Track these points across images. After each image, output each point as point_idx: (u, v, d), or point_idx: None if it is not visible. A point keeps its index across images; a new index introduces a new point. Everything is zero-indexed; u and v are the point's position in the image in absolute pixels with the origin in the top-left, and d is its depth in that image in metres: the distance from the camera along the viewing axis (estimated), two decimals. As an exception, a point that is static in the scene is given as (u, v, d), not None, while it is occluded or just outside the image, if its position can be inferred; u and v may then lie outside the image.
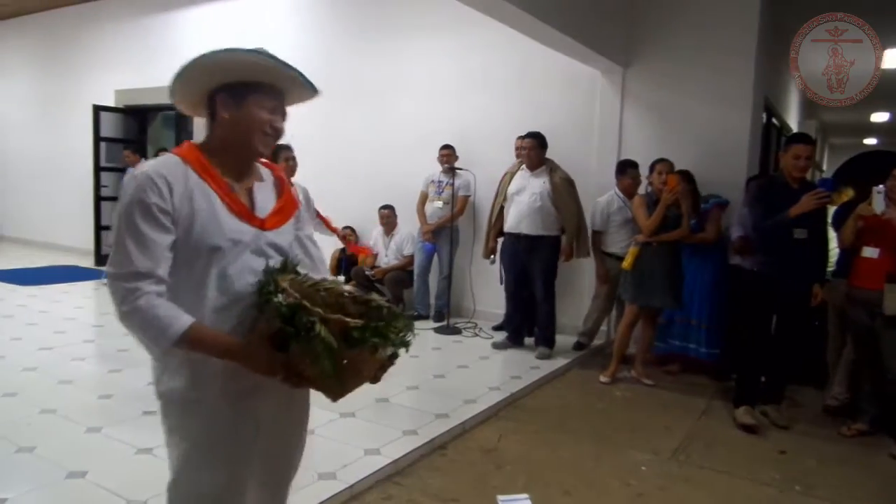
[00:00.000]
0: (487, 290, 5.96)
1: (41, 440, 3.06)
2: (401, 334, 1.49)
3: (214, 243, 1.50)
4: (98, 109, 8.68)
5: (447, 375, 4.46)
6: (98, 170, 8.70)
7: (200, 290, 1.51)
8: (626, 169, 5.00)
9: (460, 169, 5.81)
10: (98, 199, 8.74)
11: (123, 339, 4.91)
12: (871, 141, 14.33)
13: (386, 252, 6.51)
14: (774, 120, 6.97)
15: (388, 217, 6.45)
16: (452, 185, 5.79)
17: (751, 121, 4.99)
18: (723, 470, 3.23)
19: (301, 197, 4.35)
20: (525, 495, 2.84)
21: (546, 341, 5.04)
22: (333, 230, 5.23)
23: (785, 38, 4.62)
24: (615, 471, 3.16)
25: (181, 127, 8.85)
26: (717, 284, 4.68)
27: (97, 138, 8.68)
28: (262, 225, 1.60)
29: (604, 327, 5.46)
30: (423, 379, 4.34)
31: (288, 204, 1.71)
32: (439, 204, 5.93)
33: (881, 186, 3.66)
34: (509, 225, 5.06)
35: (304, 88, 1.67)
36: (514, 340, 5.21)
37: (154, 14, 8.56)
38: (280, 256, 1.63)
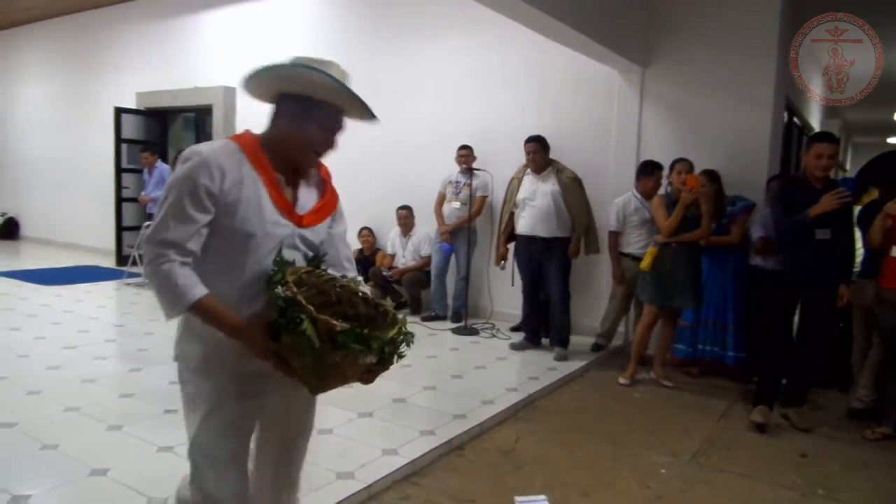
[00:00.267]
0: (505, 291, 5.94)
1: (64, 438, 3.11)
2: (386, 346, 1.54)
3: (251, 231, 1.61)
4: (119, 111, 8.80)
5: (465, 376, 4.46)
6: (119, 171, 8.81)
7: (235, 271, 1.62)
8: (652, 170, 4.93)
9: (478, 170, 5.81)
10: (119, 200, 8.85)
11: (144, 339, 4.98)
12: (895, 140, 14.10)
13: (403, 253, 6.52)
14: (796, 119, 6.88)
15: (406, 217, 6.46)
16: (470, 185, 5.79)
17: (772, 120, 4.93)
18: (743, 473, 3.19)
19: None
20: (543, 496, 2.83)
21: (561, 342, 5.02)
22: None
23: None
24: (634, 472, 3.14)
25: (201, 129, 8.95)
26: (743, 286, 4.62)
27: (118, 140, 8.79)
28: (299, 221, 1.70)
29: (622, 328, 5.43)
30: (441, 379, 4.34)
31: (328, 204, 1.80)
32: (457, 205, 5.93)
33: None
34: (524, 228, 5.06)
35: (365, 114, 1.76)
36: (532, 341, 5.19)
37: (174, 17, 8.65)
38: (308, 251, 1.72)
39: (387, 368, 1.61)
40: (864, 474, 3.27)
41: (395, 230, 6.59)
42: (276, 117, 1.71)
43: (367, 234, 6.77)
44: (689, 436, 3.63)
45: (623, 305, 5.20)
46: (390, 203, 6.54)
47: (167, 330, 1.82)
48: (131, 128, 8.96)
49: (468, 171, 5.81)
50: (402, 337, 1.60)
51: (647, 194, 4.89)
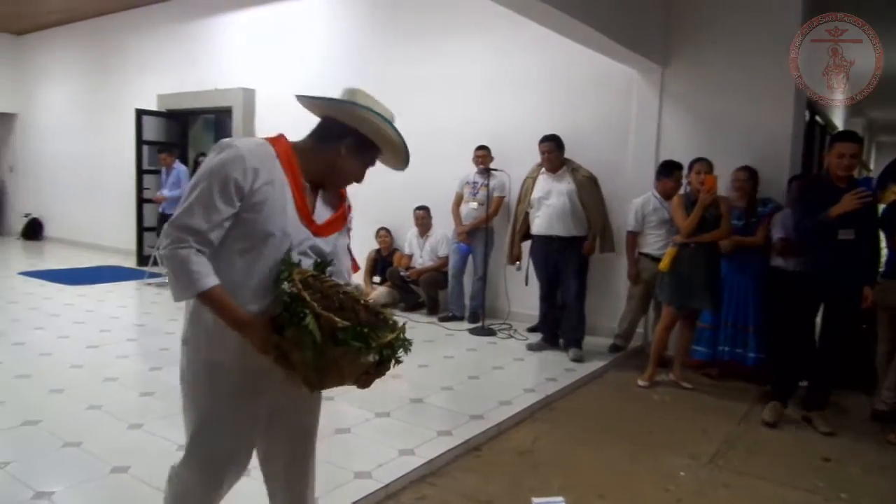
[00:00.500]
0: (522, 292, 5.93)
1: (87, 435, 3.15)
2: (384, 349, 1.61)
3: (272, 230, 1.66)
4: (141, 113, 8.91)
5: (482, 377, 4.45)
6: (141, 172, 8.92)
7: (248, 267, 1.67)
8: (671, 170, 4.91)
9: (495, 170, 5.80)
10: (140, 201, 8.97)
11: (165, 338, 5.03)
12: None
13: (421, 253, 6.53)
14: (818, 118, 6.79)
15: (423, 218, 6.47)
16: (487, 186, 5.78)
17: (793, 119, 4.87)
18: (764, 476, 3.15)
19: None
20: (560, 498, 2.82)
21: (576, 342, 5.01)
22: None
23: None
24: (652, 475, 3.12)
25: (220, 130, 9.03)
26: (764, 287, 4.57)
27: (140, 141, 8.90)
28: (316, 230, 1.77)
29: (640, 330, 5.39)
30: (458, 380, 4.34)
31: (341, 218, 1.89)
32: (474, 205, 5.93)
33: None
34: (540, 228, 5.04)
35: (401, 163, 1.95)
36: (550, 342, 5.17)
37: (195, 20, 8.74)
38: (317, 258, 1.78)
39: (383, 373, 1.67)
40: (888, 478, 3.22)
41: (413, 231, 6.60)
42: (323, 138, 1.79)
43: (384, 234, 6.78)
44: (709, 438, 3.60)
45: (641, 306, 5.17)
46: (408, 203, 6.55)
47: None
48: (152, 129, 9.07)
49: (485, 171, 5.81)
50: (399, 342, 1.65)
51: (667, 194, 4.86)
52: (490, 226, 5.89)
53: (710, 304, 4.33)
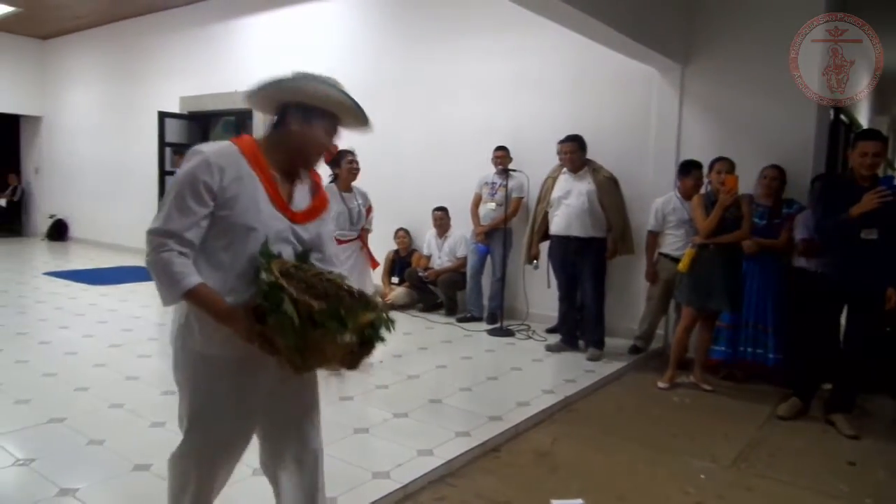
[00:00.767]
0: (541, 293, 5.90)
1: (110, 433, 3.20)
2: (366, 328, 1.69)
3: (249, 224, 1.76)
4: (163, 116, 9.02)
5: (500, 377, 4.45)
6: (163, 174, 9.03)
7: (231, 261, 1.76)
8: (689, 170, 4.88)
9: (514, 171, 5.78)
10: (163, 202, 9.06)
11: (186, 338, 5.07)
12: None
13: (439, 254, 6.53)
14: (843, 117, 6.68)
15: (442, 219, 6.47)
16: (506, 186, 5.77)
17: (817, 118, 4.80)
18: (787, 480, 3.11)
19: (361, 200, 4.37)
20: (579, 500, 2.81)
21: (595, 343, 4.98)
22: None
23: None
24: (672, 478, 3.09)
25: (241, 131, 9.10)
26: (784, 287, 4.52)
27: (162, 143, 9.02)
28: (293, 218, 1.86)
29: (661, 331, 5.35)
30: (476, 381, 4.33)
31: (320, 205, 1.98)
32: (492, 206, 5.92)
33: None
34: (558, 228, 5.01)
35: (360, 122, 1.93)
36: (568, 343, 5.15)
37: (216, 23, 8.83)
38: (299, 247, 1.88)
39: (369, 353, 1.75)
40: (915, 484, 3.16)
41: (431, 231, 6.61)
42: (282, 125, 1.86)
43: (403, 235, 6.80)
44: (730, 441, 3.56)
45: (660, 307, 5.13)
46: (426, 204, 6.57)
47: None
48: (174, 131, 9.18)
49: (504, 172, 5.79)
50: (381, 321, 1.73)
51: (687, 194, 4.82)
52: (508, 226, 5.88)
53: (728, 306, 4.28)
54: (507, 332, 5.61)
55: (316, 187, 1.99)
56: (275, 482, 2.05)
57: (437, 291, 6.51)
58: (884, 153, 3.64)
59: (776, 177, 4.56)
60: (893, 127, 12.46)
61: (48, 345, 4.85)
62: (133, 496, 2.65)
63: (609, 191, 4.92)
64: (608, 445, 3.46)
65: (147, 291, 7.17)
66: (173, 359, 1.88)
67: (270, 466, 2.04)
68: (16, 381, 3.95)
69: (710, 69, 5.20)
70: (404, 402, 3.80)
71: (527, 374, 4.58)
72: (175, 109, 9.26)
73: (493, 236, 5.95)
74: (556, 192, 5.04)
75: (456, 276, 6.35)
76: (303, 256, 1.87)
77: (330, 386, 4.13)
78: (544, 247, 5.29)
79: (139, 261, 9.18)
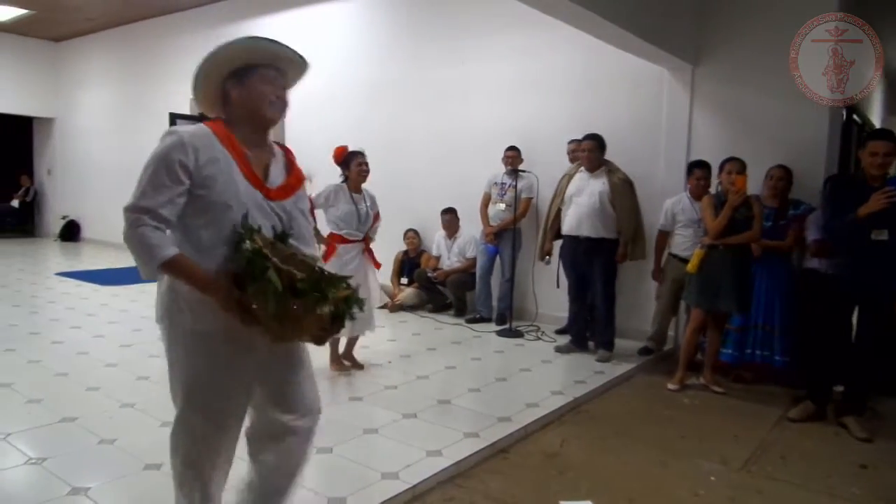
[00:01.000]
0: (550, 293, 5.90)
1: (121, 432, 3.22)
2: (340, 303, 1.76)
3: (227, 201, 1.83)
4: (174, 117, 9.06)
5: (509, 378, 4.44)
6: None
7: (214, 236, 1.83)
8: (692, 169, 4.89)
9: (523, 171, 5.77)
10: (174, 203, 9.10)
11: (197, 338, 5.10)
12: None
13: (448, 255, 6.54)
14: (856, 117, 6.62)
15: (450, 222, 6.48)
16: (515, 187, 5.76)
17: (829, 118, 4.76)
18: (798, 483, 3.09)
19: (369, 203, 4.38)
20: (588, 502, 2.80)
21: (605, 344, 4.96)
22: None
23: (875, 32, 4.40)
24: (682, 480, 3.07)
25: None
26: (792, 289, 4.49)
27: (173, 145, 9.04)
28: (268, 194, 1.93)
29: (671, 332, 5.32)
30: (485, 382, 4.33)
31: (294, 182, 2.05)
32: (502, 206, 5.92)
33: None
34: (569, 227, 4.99)
35: (295, 62, 1.99)
36: (578, 344, 5.13)
37: (227, 25, 8.87)
38: (277, 222, 1.94)
39: (337, 331, 1.82)
40: (929, 487, 3.13)
41: (441, 232, 6.61)
42: (227, 97, 1.93)
43: (412, 235, 6.80)
44: (741, 443, 3.54)
45: (669, 307, 5.11)
46: (436, 205, 6.57)
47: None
48: (185, 133, 9.21)
49: (513, 172, 5.78)
50: (353, 299, 1.80)
51: (693, 194, 4.81)
52: (518, 227, 5.87)
53: (735, 308, 4.25)
54: (517, 333, 5.60)
55: (290, 163, 2.07)
56: (256, 452, 2.07)
57: (446, 292, 6.51)
58: (894, 153, 3.61)
59: (782, 177, 4.53)
60: (907, 127, 12.33)
61: (60, 344, 4.89)
62: (144, 495, 2.66)
63: (622, 193, 4.87)
64: (617, 447, 3.45)
65: (156, 291, 7.21)
66: (164, 338, 1.93)
67: (256, 439, 2.07)
68: (28, 381, 3.98)
69: (721, 69, 5.18)
70: (413, 403, 3.81)
71: (536, 375, 4.57)
72: (186, 111, 9.31)
73: (503, 237, 5.94)
74: (570, 190, 5.01)
75: (465, 277, 6.35)
76: (281, 237, 1.93)
77: (339, 387, 4.14)
78: (557, 245, 5.27)
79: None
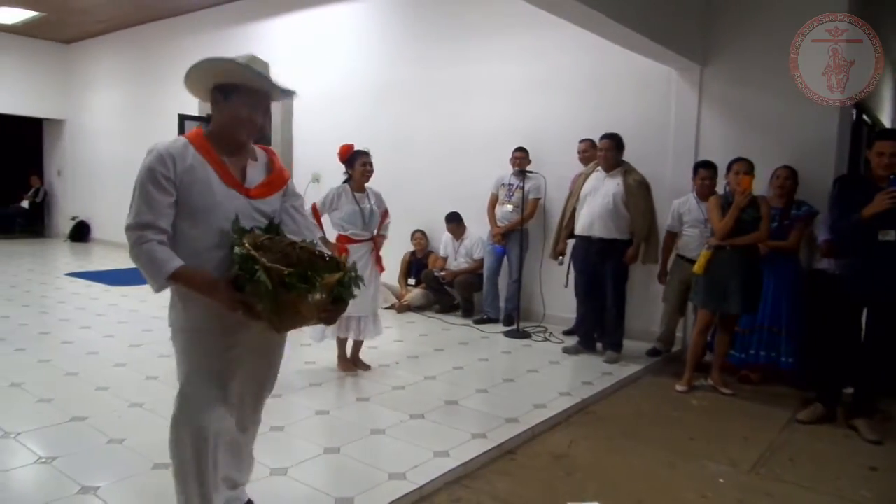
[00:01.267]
0: (557, 294, 5.89)
1: (130, 432, 3.23)
2: (337, 286, 1.89)
3: (207, 205, 1.97)
4: (183, 118, 9.10)
5: (517, 379, 4.44)
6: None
7: (202, 237, 1.98)
8: (697, 169, 4.88)
9: (531, 172, 5.77)
10: (183, 203, 9.13)
11: (205, 338, 5.12)
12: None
13: (456, 256, 6.54)
14: (865, 117, 6.58)
15: (455, 229, 6.48)
16: (522, 188, 5.76)
17: (839, 119, 4.73)
18: (807, 485, 3.07)
19: (374, 201, 4.38)
20: (596, 503, 2.79)
21: (614, 346, 4.94)
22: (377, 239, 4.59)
23: (875, 29, 4.38)
24: (690, 482, 3.06)
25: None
26: (798, 290, 4.47)
27: (182, 146, 9.08)
28: (247, 194, 2.06)
29: (679, 333, 5.30)
30: (493, 383, 4.33)
31: (276, 180, 2.17)
32: (509, 208, 5.91)
33: None
34: (581, 227, 4.97)
35: (276, 92, 2.10)
36: (586, 345, 5.12)
37: (235, 27, 8.92)
38: (264, 220, 2.09)
39: (343, 309, 1.99)
40: (940, 490, 3.11)
41: (448, 235, 6.61)
42: (212, 110, 2.07)
43: (419, 236, 6.81)
44: (750, 445, 3.52)
45: (677, 308, 5.09)
46: (443, 205, 6.57)
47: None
48: (194, 134, 9.25)
49: (521, 173, 5.78)
50: (349, 279, 1.93)
51: (699, 194, 4.81)
52: (525, 228, 5.86)
53: (742, 309, 4.22)
54: (524, 334, 5.60)
55: (271, 163, 2.19)
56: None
57: (453, 293, 6.51)
58: None
59: (788, 177, 4.51)
60: (917, 127, 12.23)
61: (70, 344, 4.92)
62: (152, 494, 2.67)
63: (636, 194, 4.81)
64: (625, 448, 3.44)
65: (166, 293, 7.22)
66: (171, 332, 2.11)
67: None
68: (39, 380, 4.01)
69: (729, 69, 5.16)
70: (420, 404, 3.81)
71: (543, 376, 4.57)
72: (195, 112, 9.34)
73: (510, 238, 5.93)
74: (585, 190, 4.98)
75: (472, 278, 6.35)
76: (273, 228, 2.07)
77: (347, 387, 4.15)
78: (571, 244, 5.25)
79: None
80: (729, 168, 4.34)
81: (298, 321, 1.91)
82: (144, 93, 10.56)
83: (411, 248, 6.86)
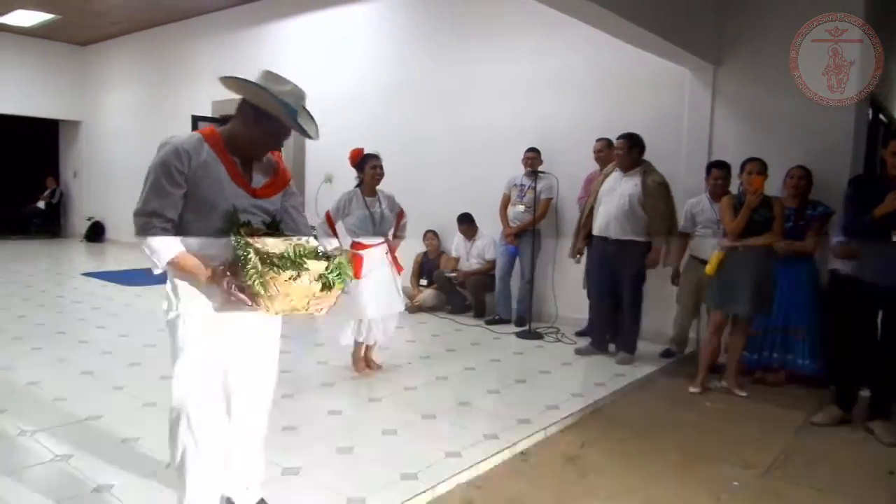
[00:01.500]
0: (570, 295, 5.88)
1: (144, 431, 3.25)
2: (324, 275, 2.02)
3: (215, 200, 2.09)
4: (197, 119, 9.16)
5: (529, 380, 4.42)
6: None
7: (206, 227, 2.09)
8: (710, 169, 4.85)
9: (543, 172, 5.75)
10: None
11: (218, 338, 5.15)
12: None
13: (467, 257, 6.53)
14: (882, 116, 6.51)
15: (466, 230, 6.48)
16: (534, 188, 5.74)
17: (855, 118, 4.68)
18: (823, 488, 3.03)
19: (385, 204, 4.38)
20: (608, 505, 2.78)
21: (627, 347, 4.92)
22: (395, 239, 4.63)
23: (892, 30, 4.33)
24: (704, 484, 3.04)
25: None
26: (814, 291, 4.43)
27: (196, 147, 9.14)
28: (253, 193, 2.18)
29: (692, 334, 5.27)
30: (505, 383, 4.32)
31: (279, 181, 2.28)
32: (521, 208, 5.90)
33: None
34: (597, 227, 4.94)
35: (303, 134, 2.18)
36: (598, 346, 5.09)
37: (247, 28, 8.97)
38: (267, 217, 2.22)
39: (333, 298, 2.10)
40: (959, 494, 3.06)
41: (459, 235, 6.60)
42: (237, 116, 2.17)
43: (431, 236, 6.81)
44: (765, 447, 3.48)
45: (690, 309, 5.05)
46: (455, 206, 6.57)
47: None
48: (207, 135, 9.31)
49: (533, 173, 5.76)
50: (336, 268, 2.05)
51: (712, 195, 4.77)
52: (537, 228, 5.84)
53: (753, 310, 4.18)
54: (536, 335, 5.58)
55: (276, 165, 2.31)
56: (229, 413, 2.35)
57: (465, 293, 6.51)
58: None
59: (802, 176, 4.47)
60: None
61: (86, 344, 4.97)
62: (166, 493, 2.69)
63: (654, 195, 4.74)
64: (638, 450, 3.41)
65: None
66: (167, 321, 2.22)
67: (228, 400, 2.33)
68: (55, 379, 4.05)
69: (744, 69, 5.12)
70: (432, 404, 3.81)
71: (555, 377, 4.55)
72: (208, 113, 9.41)
73: (522, 238, 5.92)
74: (602, 189, 4.95)
75: (485, 279, 6.34)
76: (274, 226, 2.21)
77: (359, 387, 4.16)
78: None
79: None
80: (742, 168, 4.30)
81: (288, 305, 2.04)
82: (158, 94, 10.65)
83: (423, 249, 6.87)
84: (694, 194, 5.04)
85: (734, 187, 4.71)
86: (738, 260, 4.14)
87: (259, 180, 2.22)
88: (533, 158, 5.84)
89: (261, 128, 2.14)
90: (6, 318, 5.69)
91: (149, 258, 2.07)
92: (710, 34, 5.12)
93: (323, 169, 7.78)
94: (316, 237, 3.96)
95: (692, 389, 4.37)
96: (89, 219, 12.15)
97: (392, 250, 4.40)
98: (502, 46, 6.40)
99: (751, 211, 4.07)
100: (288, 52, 8.44)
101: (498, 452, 3.19)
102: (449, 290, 6.54)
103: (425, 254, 6.87)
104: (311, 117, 2.25)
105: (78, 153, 12.70)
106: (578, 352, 5.10)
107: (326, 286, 2.05)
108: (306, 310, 2.08)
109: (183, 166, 2.03)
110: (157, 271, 2.11)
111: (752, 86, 5.08)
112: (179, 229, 2.09)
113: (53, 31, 11.01)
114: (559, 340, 5.50)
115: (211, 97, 9.44)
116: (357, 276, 4.23)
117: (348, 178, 4.51)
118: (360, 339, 4.35)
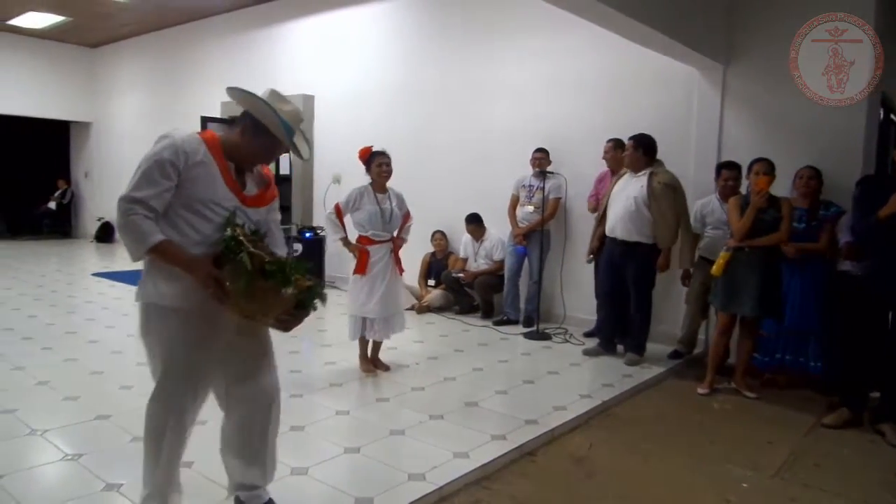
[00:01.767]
0: (578, 296, 5.87)
1: (153, 431, 3.27)
2: (304, 291, 2.06)
3: (207, 200, 2.13)
4: (206, 121, 9.20)
5: (537, 381, 4.42)
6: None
7: (196, 226, 2.13)
8: (720, 170, 4.83)
9: (551, 173, 5.74)
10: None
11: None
12: None
13: (476, 257, 6.53)
14: (893, 116, 6.46)
15: (475, 230, 6.48)
16: (543, 189, 5.73)
17: (866, 118, 4.65)
18: (832, 490, 3.02)
19: (395, 202, 4.41)
20: (616, 507, 2.77)
21: (636, 348, 4.90)
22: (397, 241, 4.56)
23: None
24: (712, 486, 3.02)
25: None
26: (825, 292, 4.40)
27: (205, 148, 9.18)
28: (244, 200, 2.24)
29: (701, 335, 5.25)
30: (513, 384, 4.32)
31: (268, 194, 2.36)
32: (530, 208, 5.89)
33: None
34: (608, 228, 4.93)
35: (297, 154, 2.32)
36: (606, 347, 5.08)
37: (257, 29, 9.01)
38: (252, 225, 2.24)
39: (301, 319, 2.14)
40: (971, 497, 3.04)
41: (468, 236, 6.60)
42: (238, 126, 2.24)
43: (439, 237, 6.81)
44: (774, 449, 3.47)
45: (698, 310, 5.03)
46: (463, 206, 6.57)
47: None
48: (216, 136, 9.36)
49: (541, 174, 5.76)
50: (316, 290, 2.10)
51: (722, 195, 4.75)
52: (546, 229, 5.84)
53: (757, 311, 4.16)
54: (544, 336, 5.57)
55: (267, 179, 2.39)
56: (228, 414, 2.42)
57: (473, 294, 6.51)
58: None
59: (812, 176, 4.43)
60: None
61: (96, 343, 5.00)
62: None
63: (661, 198, 4.68)
64: (646, 451, 3.41)
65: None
66: (140, 325, 2.21)
67: (224, 399, 2.38)
68: (65, 379, 4.08)
69: (753, 68, 5.09)
70: (440, 405, 3.81)
71: (564, 377, 4.54)
72: (217, 114, 9.45)
73: (531, 238, 5.91)
74: (614, 191, 4.94)
75: (493, 279, 6.34)
76: (259, 236, 2.23)
77: (366, 388, 4.17)
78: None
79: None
80: (750, 168, 4.28)
81: (263, 312, 2.06)
82: (168, 95, 10.70)
83: (431, 249, 6.87)
84: (703, 195, 5.02)
85: (745, 188, 4.69)
86: (745, 260, 4.12)
87: (251, 189, 2.29)
88: (541, 159, 5.83)
89: (258, 141, 2.21)
90: (18, 319, 5.74)
91: (129, 244, 2.04)
92: (720, 34, 5.10)
93: (331, 170, 7.80)
94: (346, 241, 4.11)
95: (701, 391, 4.36)
96: (100, 219, 12.23)
97: (396, 249, 4.42)
98: (511, 47, 6.39)
99: (757, 211, 4.05)
100: (297, 53, 8.47)
101: (506, 453, 3.18)
102: (457, 290, 6.54)
103: (433, 254, 6.87)
104: (306, 139, 2.36)
105: (89, 154, 12.79)
106: (586, 352, 5.09)
107: (301, 306, 2.09)
108: (270, 321, 2.11)
109: (179, 162, 2.07)
110: (134, 257, 2.08)
111: (762, 86, 5.05)
112: (171, 226, 2.11)
113: (64, 33, 11.10)
114: (567, 341, 5.48)
115: (220, 98, 9.46)
116: (362, 272, 4.27)
117: (355, 178, 4.52)
118: (367, 336, 4.37)
